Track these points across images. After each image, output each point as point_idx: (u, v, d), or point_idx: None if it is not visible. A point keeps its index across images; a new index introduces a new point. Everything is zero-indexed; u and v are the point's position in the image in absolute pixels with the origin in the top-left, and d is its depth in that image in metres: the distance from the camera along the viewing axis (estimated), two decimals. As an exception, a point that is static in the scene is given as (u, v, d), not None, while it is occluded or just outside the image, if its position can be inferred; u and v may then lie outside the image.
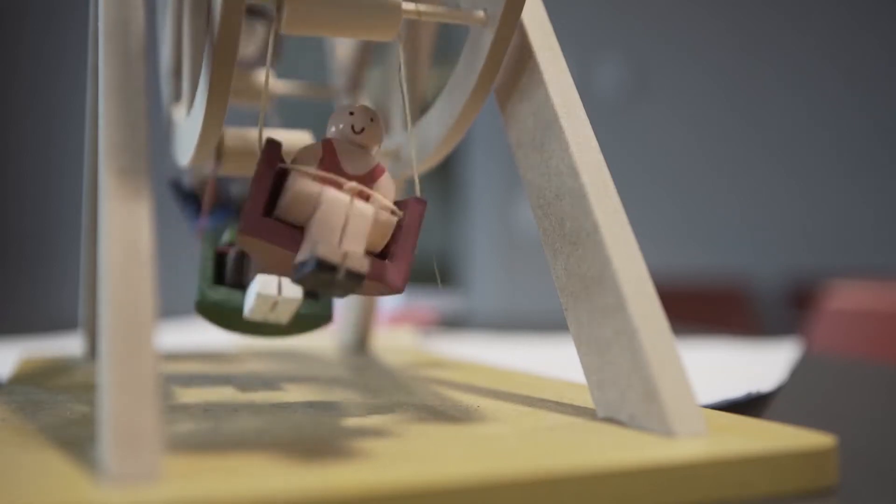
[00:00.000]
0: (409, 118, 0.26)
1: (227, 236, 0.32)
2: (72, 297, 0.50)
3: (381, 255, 0.23)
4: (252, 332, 0.33)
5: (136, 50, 0.23)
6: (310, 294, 0.22)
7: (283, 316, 0.23)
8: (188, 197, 0.36)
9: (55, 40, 2.26)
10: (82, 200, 0.36)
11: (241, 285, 0.30)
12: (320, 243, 0.21)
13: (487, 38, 0.25)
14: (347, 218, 0.22)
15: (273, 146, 0.22)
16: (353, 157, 0.23)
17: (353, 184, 0.22)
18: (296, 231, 0.22)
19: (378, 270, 0.23)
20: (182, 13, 0.30)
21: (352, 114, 0.23)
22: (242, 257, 0.30)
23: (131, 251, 0.20)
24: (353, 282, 0.21)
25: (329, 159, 0.23)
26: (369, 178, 0.23)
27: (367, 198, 0.23)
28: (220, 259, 0.31)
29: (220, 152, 0.30)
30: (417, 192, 0.25)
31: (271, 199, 0.22)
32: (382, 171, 0.24)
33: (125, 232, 0.20)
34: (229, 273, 0.31)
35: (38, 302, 2.21)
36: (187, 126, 0.27)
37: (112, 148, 0.21)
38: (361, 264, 0.21)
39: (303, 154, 0.23)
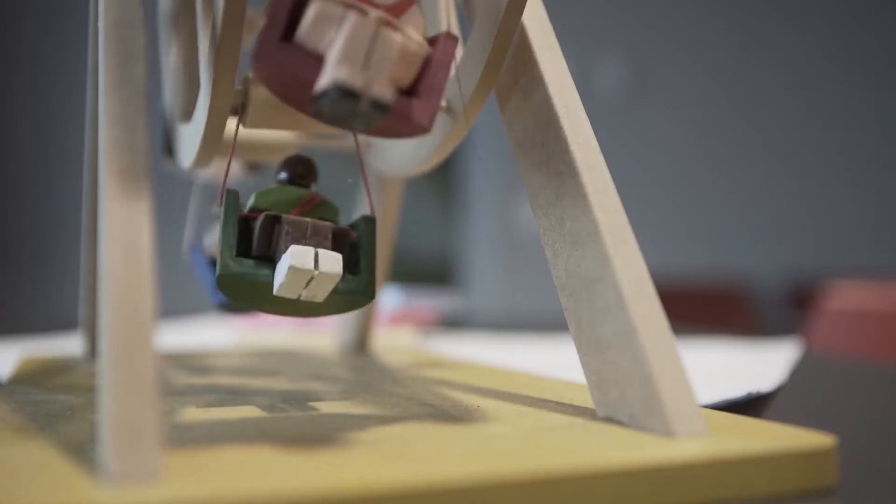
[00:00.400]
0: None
1: (252, 201, 0.26)
2: (72, 297, 0.50)
3: (407, 93, 0.22)
4: (281, 311, 0.27)
5: (136, 50, 0.23)
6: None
7: (320, 293, 0.22)
8: (209, 264, 0.35)
9: (55, 40, 2.26)
10: (82, 200, 0.36)
11: (270, 258, 0.25)
12: (342, 66, 0.19)
13: (486, 44, 0.25)
14: (373, 44, 0.20)
15: None
16: None
17: (380, 12, 0.21)
18: (317, 59, 0.20)
19: (404, 106, 0.21)
20: (192, 19, 0.30)
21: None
22: (273, 223, 0.24)
23: (131, 251, 0.20)
24: (377, 113, 0.20)
25: None
26: (397, 10, 0.22)
27: (394, 29, 0.21)
28: (245, 225, 0.25)
29: (243, 104, 0.26)
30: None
31: (290, 26, 0.21)
32: (411, 3, 0.22)
33: (125, 232, 0.20)
34: (256, 242, 0.25)
35: (38, 302, 2.21)
36: (189, 130, 0.27)
37: (112, 148, 0.21)
38: (386, 92, 0.20)
39: None
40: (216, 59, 0.23)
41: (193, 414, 0.25)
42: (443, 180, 2.62)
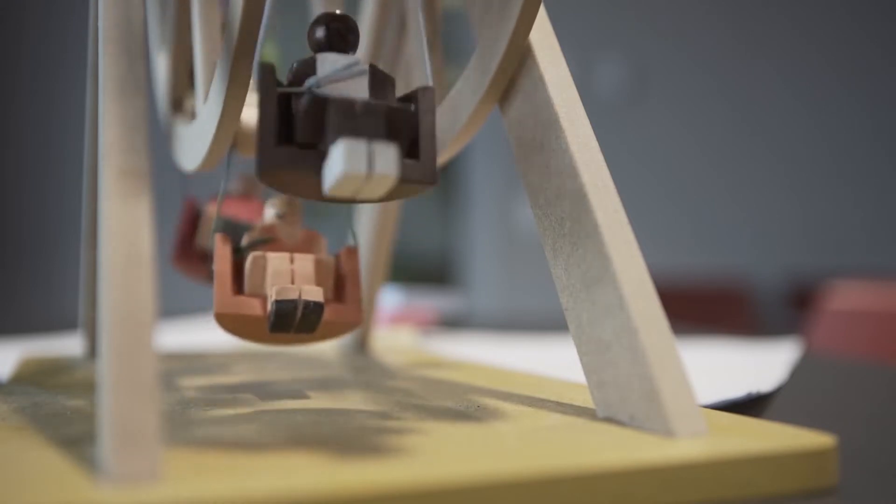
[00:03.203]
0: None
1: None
2: (72, 297, 0.50)
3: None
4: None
5: (136, 50, 0.23)
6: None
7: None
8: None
9: (55, 40, 2.26)
10: (82, 200, 0.36)
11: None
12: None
13: (491, 64, 0.26)
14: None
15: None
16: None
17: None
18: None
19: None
20: (188, 16, 0.30)
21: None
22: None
23: (131, 251, 0.20)
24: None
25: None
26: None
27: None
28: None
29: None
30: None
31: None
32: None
33: (125, 232, 0.20)
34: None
35: (38, 302, 2.21)
36: (194, 130, 0.27)
37: (112, 148, 0.21)
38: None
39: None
40: (232, 59, 0.22)
41: (193, 414, 0.25)
42: (443, 180, 2.61)
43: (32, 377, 0.34)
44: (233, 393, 0.29)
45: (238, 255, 0.27)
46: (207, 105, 0.25)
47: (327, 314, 0.27)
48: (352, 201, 0.23)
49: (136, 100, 0.22)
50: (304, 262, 0.27)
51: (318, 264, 0.28)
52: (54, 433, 0.22)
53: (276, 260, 0.27)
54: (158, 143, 0.29)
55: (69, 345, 0.53)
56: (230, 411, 0.26)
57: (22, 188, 2.28)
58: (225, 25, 0.24)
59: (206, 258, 0.35)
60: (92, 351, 0.40)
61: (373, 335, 0.46)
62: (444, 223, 2.66)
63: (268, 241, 0.28)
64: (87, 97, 0.33)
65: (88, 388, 0.31)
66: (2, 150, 2.26)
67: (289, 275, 0.27)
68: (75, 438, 0.22)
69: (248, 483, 0.17)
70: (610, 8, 2.30)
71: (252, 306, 0.26)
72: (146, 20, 0.35)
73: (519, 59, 0.26)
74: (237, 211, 0.35)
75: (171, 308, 0.75)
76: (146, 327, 0.19)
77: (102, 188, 0.21)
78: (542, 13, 0.27)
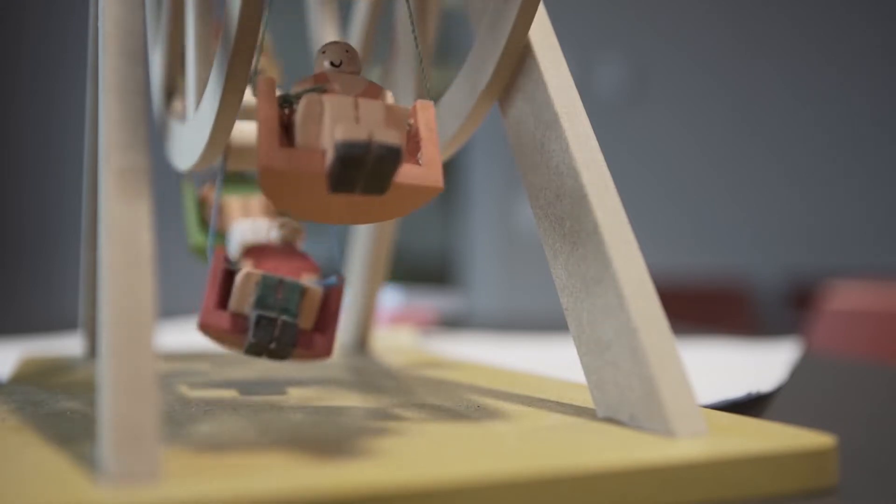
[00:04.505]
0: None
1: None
2: (72, 297, 0.50)
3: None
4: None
5: (136, 50, 0.23)
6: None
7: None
8: None
9: (55, 40, 2.26)
10: (82, 200, 0.36)
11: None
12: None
13: (490, 62, 0.26)
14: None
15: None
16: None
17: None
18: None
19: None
20: (182, 16, 0.30)
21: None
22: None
23: (131, 251, 0.20)
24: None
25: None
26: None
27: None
28: (202, 204, 0.35)
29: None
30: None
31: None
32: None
33: (125, 232, 0.20)
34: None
35: (38, 302, 2.21)
36: (190, 129, 0.27)
37: (112, 148, 0.21)
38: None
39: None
40: (229, 58, 0.22)
41: (193, 414, 0.25)
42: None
43: (32, 377, 0.34)
44: (233, 393, 0.29)
45: (285, 105, 0.22)
46: (203, 106, 0.25)
47: (401, 176, 0.21)
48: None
49: (136, 100, 0.22)
50: (372, 108, 0.21)
51: (390, 111, 0.21)
52: (54, 433, 0.22)
53: (336, 103, 0.21)
54: (159, 143, 0.29)
55: (69, 345, 0.53)
56: (230, 411, 0.26)
57: (22, 188, 2.28)
58: (220, 29, 0.23)
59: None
60: (92, 351, 0.40)
61: (373, 335, 0.46)
62: (444, 223, 2.66)
63: (322, 89, 0.22)
64: (87, 97, 0.33)
65: (88, 388, 0.31)
66: (2, 150, 2.26)
67: (353, 114, 0.21)
68: (75, 438, 0.22)
69: (247, 483, 0.17)
70: (610, 8, 2.30)
71: (310, 160, 0.20)
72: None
73: (518, 56, 0.26)
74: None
75: (172, 308, 0.75)
76: (146, 327, 0.19)
77: (102, 188, 0.21)
78: (542, 13, 0.27)
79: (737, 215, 2.35)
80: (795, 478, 0.20)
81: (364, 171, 0.20)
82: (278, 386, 0.31)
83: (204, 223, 0.35)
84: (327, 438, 0.21)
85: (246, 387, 0.31)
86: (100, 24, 0.23)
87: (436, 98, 0.28)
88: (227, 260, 0.27)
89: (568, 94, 0.25)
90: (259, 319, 0.26)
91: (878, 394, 0.38)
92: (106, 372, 0.19)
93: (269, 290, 0.26)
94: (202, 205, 0.36)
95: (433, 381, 0.33)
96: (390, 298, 0.81)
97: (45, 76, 2.25)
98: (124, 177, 0.21)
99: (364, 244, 0.43)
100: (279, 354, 0.26)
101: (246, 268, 0.27)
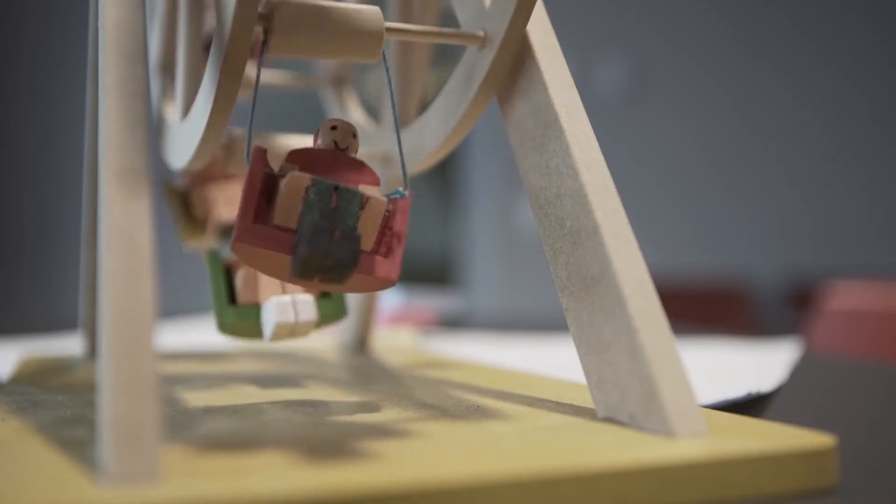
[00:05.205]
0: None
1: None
2: (72, 297, 0.50)
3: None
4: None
5: (136, 50, 0.23)
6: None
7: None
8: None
9: (55, 40, 2.26)
10: (82, 200, 0.36)
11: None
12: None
13: (487, 57, 0.26)
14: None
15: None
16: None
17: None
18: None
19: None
20: (176, 14, 0.30)
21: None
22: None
23: (131, 251, 0.20)
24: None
25: None
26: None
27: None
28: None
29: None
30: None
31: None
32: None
33: (125, 232, 0.20)
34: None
35: (38, 302, 2.21)
36: (183, 129, 0.27)
37: (112, 148, 0.21)
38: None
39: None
40: (224, 51, 0.22)
41: (193, 414, 0.25)
42: (443, 180, 2.62)
43: (32, 377, 0.34)
44: (233, 393, 0.29)
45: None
46: (193, 112, 0.25)
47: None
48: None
49: (136, 100, 0.22)
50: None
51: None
52: (54, 433, 0.22)
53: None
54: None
55: (69, 345, 0.53)
56: (230, 411, 0.26)
57: (22, 188, 2.28)
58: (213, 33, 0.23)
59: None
60: (92, 351, 0.40)
61: (373, 335, 0.46)
62: (444, 223, 2.66)
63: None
64: (87, 97, 0.33)
65: (88, 388, 0.31)
66: (2, 150, 2.26)
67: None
68: (75, 438, 0.22)
69: (247, 483, 0.17)
70: (610, 8, 2.30)
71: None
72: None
73: (516, 51, 0.26)
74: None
75: (172, 308, 0.75)
76: (146, 327, 0.19)
77: (102, 188, 0.21)
78: (542, 14, 0.27)
79: (737, 215, 2.35)
80: (795, 478, 0.20)
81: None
82: (278, 386, 0.31)
83: (233, 299, 0.31)
84: (327, 438, 0.21)
85: (246, 387, 0.31)
86: (100, 24, 0.24)
87: (432, 98, 0.29)
88: (268, 164, 0.22)
89: (568, 94, 0.25)
90: (311, 228, 0.21)
91: (878, 394, 0.38)
92: (106, 372, 0.19)
93: (321, 197, 0.21)
94: (229, 272, 0.31)
95: (433, 381, 0.33)
96: (390, 298, 0.81)
97: (45, 76, 2.25)
98: (124, 177, 0.21)
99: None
100: (335, 275, 0.21)
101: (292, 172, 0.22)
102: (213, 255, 0.31)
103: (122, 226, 0.20)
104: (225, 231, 0.34)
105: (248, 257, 0.22)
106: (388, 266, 0.23)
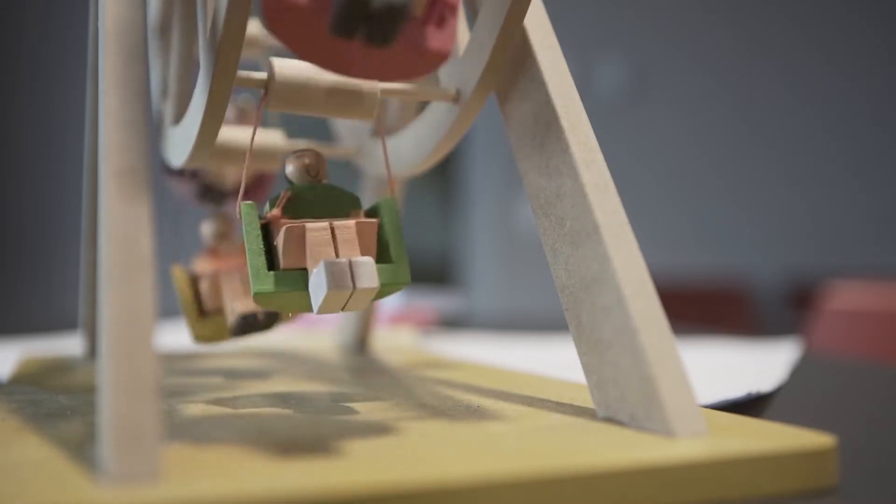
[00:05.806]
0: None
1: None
2: (72, 297, 0.50)
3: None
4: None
5: (137, 50, 0.23)
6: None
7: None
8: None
9: (55, 40, 2.26)
10: (82, 200, 0.36)
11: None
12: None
13: (454, 111, 0.27)
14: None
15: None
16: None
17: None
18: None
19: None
20: (172, 13, 0.30)
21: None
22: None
23: (131, 251, 0.20)
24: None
25: None
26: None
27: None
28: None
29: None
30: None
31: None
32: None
33: (125, 232, 0.20)
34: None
35: (38, 302, 2.21)
36: (181, 127, 0.27)
37: (112, 148, 0.21)
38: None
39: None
40: (218, 54, 0.23)
41: (193, 414, 0.25)
42: (443, 180, 2.62)
43: (32, 377, 0.34)
44: (233, 393, 0.30)
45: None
46: (192, 106, 0.25)
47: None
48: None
49: (136, 99, 0.22)
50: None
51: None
52: (54, 433, 0.22)
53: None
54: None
55: (69, 345, 0.53)
56: (230, 411, 0.26)
57: (22, 188, 2.28)
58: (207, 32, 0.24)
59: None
60: (92, 351, 0.40)
61: (373, 335, 0.46)
62: (444, 223, 2.66)
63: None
64: (87, 97, 0.33)
65: (88, 388, 0.31)
66: (2, 150, 2.26)
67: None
68: (75, 438, 0.22)
69: (247, 483, 0.17)
70: (610, 8, 2.30)
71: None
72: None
73: (513, 47, 0.26)
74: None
75: (172, 308, 0.75)
76: (146, 327, 0.19)
77: (102, 188, 0.21)
78: (542, 14, 0.27)
79: (737, 215, 2.35)
80: (795, 478, 0.20)
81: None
82: (278, 386, 0.31)
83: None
84: (327, 438, 0.21)
85: (245, 387, 0.31)
86: (100, 23, 0.24)
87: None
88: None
89: (568, 93, 0.25)
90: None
91: (878, 394, 0.38)
92: (106, 372, 0.19)
93: None
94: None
95: (433, 380, 0.33)
96: (390, 298, 0.81)
97: (45, 76, 2.25)
98: (124, 177, 0.21)
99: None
100: (380, 33, 0.19)
101: None
102: (249, 209, 0.25)
103: (122, 226, 0.20)
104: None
105: (283, 28, 0.19)
106: (441, 38, 0.20)
